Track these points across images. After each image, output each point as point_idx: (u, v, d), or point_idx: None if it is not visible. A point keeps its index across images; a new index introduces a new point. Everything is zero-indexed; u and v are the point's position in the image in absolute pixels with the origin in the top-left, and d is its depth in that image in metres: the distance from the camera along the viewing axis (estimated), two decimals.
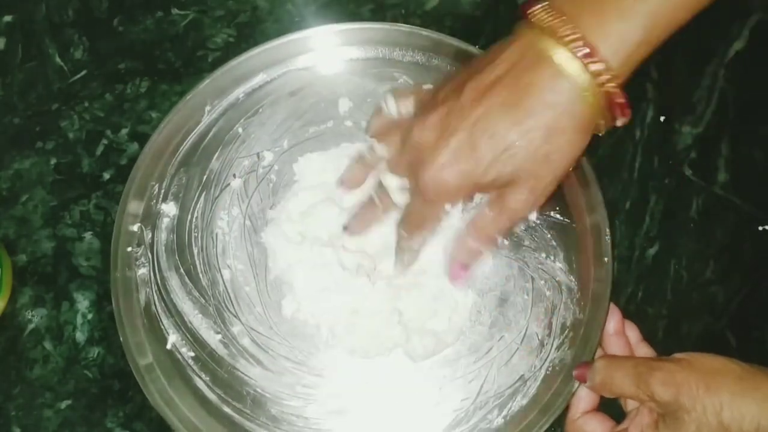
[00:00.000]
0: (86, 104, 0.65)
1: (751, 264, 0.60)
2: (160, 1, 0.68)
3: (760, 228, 0.61)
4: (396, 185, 0.52)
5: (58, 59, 0.67)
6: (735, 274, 0.60)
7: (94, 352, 0.58)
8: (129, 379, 0.57)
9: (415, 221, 0.51)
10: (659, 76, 0.65)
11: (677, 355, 0.48)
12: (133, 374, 0.57)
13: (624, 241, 0.61)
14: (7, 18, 0.68)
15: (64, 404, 0.57)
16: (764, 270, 0.60)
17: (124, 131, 0.64)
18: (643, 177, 0.62)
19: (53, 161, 0.64)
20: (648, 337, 0.58)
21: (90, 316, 0.59)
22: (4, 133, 0.64)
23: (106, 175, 0.63)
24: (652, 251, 0.61)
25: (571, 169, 0.48)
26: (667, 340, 0.58)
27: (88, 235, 0.61)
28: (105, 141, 0.64)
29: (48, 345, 0.59)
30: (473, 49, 0.62)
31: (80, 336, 0.59)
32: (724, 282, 0.60)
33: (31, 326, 0.59)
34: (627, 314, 0.58)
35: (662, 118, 0.64)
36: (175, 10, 0.68)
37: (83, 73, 0.66)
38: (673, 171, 0.63)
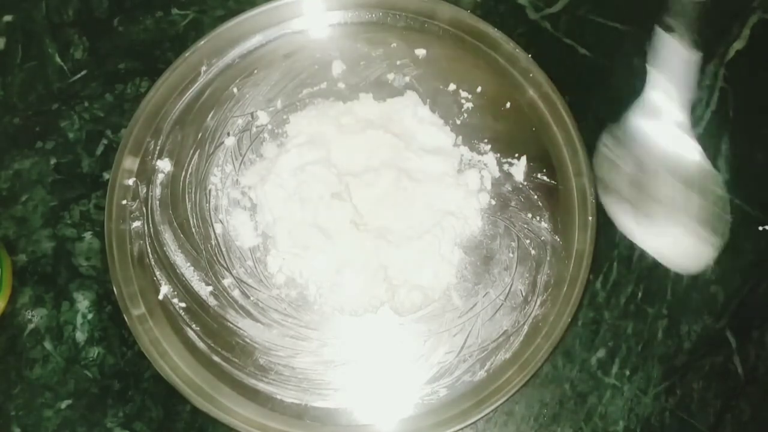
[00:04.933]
0: (86, 104, 0.65)
1: (751, 264, 0.60)
2: (160, 1, 0.68)
3: (760, 228, 0.61)
4: None
5: (58, 59, 0.67)
6: (735, 274, 0.60)
7: (94, 352, 0.58)
8: (129, 379, 0.57)
9: None
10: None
11: None
12: (133, 374, 0.57)
13: (624, 241, 0.61)
14: (7, 18, 0.68)
15: (64, 404, 0.57)
16: (764, 270, 0.60)
17: (124, 131, 0.64)
18: None
19: (53, 161, 0.64)
20: (648, 337, 0.58)
21: (90, 316, 0.59)
22: (4, 133, 0.64)
23: (106, 175, 0.62)
24: None
25: None
26: (667, 340, 0.58)
27: (88, 235, 0.61)
28: (105, 141, 0.64)
29: (48, 345, 0.59)
30: (467, 15, 0.63)
31: (80, 336, 0.59)
32: (724, 282, 0.60)
33: (31, 326, 0.59)
34: (627, 314, 0.59)
35: None
36: (175, 10, 0.68)
37: (83, 73, 0.66)
38: None
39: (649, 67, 0.63)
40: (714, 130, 0.64)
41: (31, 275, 0.60)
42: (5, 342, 0.59)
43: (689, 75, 0.57)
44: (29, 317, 0.59)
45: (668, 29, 0.51)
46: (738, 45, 0.66)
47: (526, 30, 0.67)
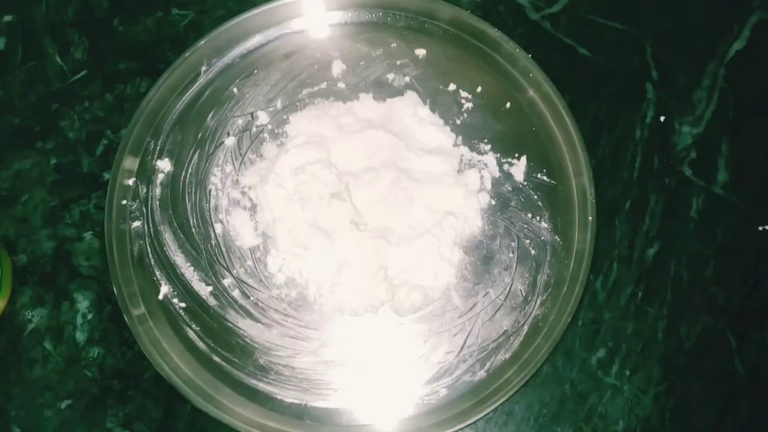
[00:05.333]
0: (86, 104, 0.65)
1: (751, 264, 0.60)
2: (160, 1, 0.68)
3: (760, 228, 0.61)
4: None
5: (58, 59, 0.67)
6: (735, 274, 0.60)
7: (94, 352, 0.58)
8: (129, 379, 0.57)
9: None
10: (659, 76, 0.65)
11: None
12: (133, 374, 0.57)
13: (624, 241, 0.61)
14: (8, 18, 0.68)
15: (64, 404, 0.57)
16: (764, 270, 0.60)
17: (124, 131, 0.64)
18: (643, 177, 0.62)
19: (53, 161, 0.64)
20: (648, 337, 0.58)
21: (90, 316, 0.59)
22: (4, 133, 0.64)
23: (107, 175, 0.62)
24: (652, 251, 0.61)
25: None
26: (667, 340, 0.58)
27: (88, 235, 0.61)
28: (105, 141, 0.64)
29: (48, 345, 0.59)
30: (467, 15, 0.63)
31: (80, 336, 0.59)
32: (724, 282, 0.60)
33: (31, 326, 0.59)
34: (627, 314, 0.59)
35: (662, 118, 0.64)
36: (175, 10, 0.68)
37: (83, 73, 0.66)
38: (673, 171, 0.63)
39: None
40: (714, 130, 0.64)
41: (31, 275, 0.60)
42: (5, 342, 0.59)
43: None
44: (29, 317, 0.59)
45: None
46: (738, 45, 0.66)
47: (526, 30, 0.67)
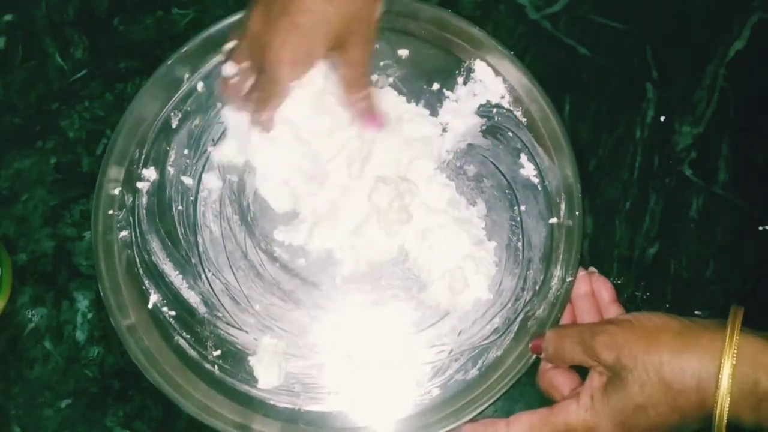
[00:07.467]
0: (86, 103, 0.65)
1: (751, 264, 0.60)
2: (160, 1, 0.68)
3: (760, 228, 0.61)
4: None
5: (58, 58, 0.67)
6: (735, 274, 0.60)
7: (94, 351, 0.58)
8: (129, 379, 0.57)
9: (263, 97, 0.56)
10: (659, 76, 0.65)
11: (621, 316, 0.49)
12: (133, 374, 0.57)
13: (624, 241, 0.61)
14: (8, 17, 0.68)
15: (64, 403, 0.57)
16: (764, 270, 0.60)
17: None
18: (643, 177, 0.62)
19: (53, 160, 0.64)
20: None
21: (90, 316, 0.59)
22: (4, 132, 0.64)
23: None
24: (652, 251, 0.61)
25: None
26: None
27: (88, 235, 0.61)
28: (105, 140, 0.64)
29: (48, 344, 0.59)
30: (449, 15, 0.62)
31: (80, 335, 0.59)
32: (724, 282, 0.60)
33: (31, 325, 0.59)
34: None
35: (662, 118, 0.64)
36: (175, 10, 0.68)
37: (83, 72, 0.66)
38: (673, 171, 0.63)
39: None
40: (714, 130, 0.64)
41: (31, 275, 0.60)
42: (5, 341, 0.59)
43: None
44: (29, 316, 0.59)
45: None
46: (738, 45, 0.66)
47: (526, 30, 0.67)
